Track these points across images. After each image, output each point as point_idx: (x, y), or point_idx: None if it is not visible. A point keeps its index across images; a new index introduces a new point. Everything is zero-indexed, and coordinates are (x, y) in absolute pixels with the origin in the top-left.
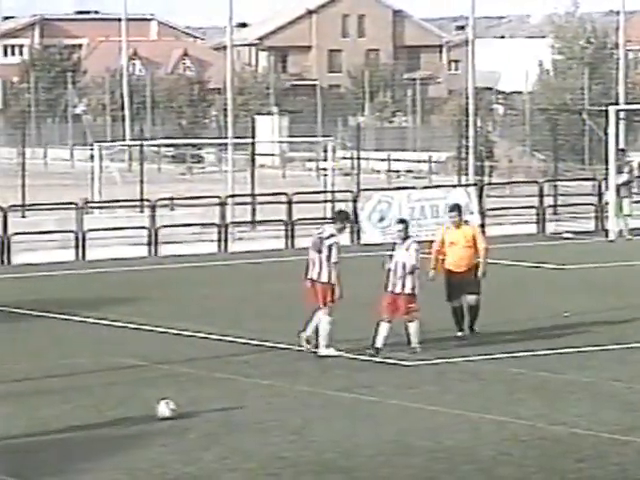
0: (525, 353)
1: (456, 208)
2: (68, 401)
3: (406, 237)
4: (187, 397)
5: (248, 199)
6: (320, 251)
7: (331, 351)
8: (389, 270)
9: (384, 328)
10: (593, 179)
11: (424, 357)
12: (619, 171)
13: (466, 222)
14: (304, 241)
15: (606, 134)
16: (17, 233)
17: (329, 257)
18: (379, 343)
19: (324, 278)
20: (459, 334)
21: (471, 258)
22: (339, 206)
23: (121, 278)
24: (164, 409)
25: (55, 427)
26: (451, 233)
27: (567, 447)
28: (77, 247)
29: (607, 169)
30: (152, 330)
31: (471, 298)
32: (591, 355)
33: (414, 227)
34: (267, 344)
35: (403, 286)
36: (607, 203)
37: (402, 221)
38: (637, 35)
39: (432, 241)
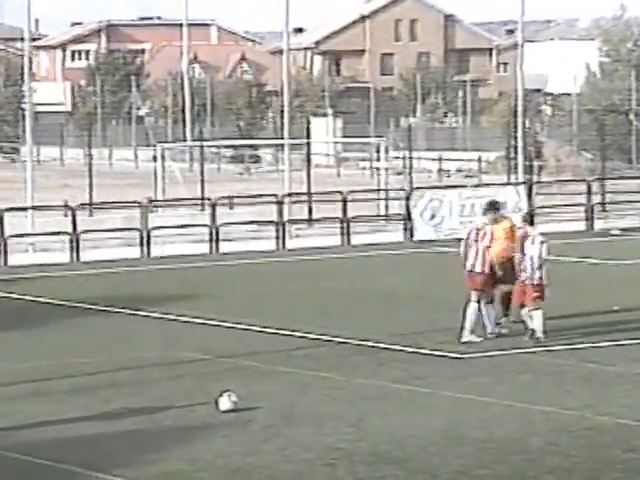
0: (575, 345)
1: (492, 205)
2: (136, 394)
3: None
4: (249, 390)
5: (304, 197)
6: (477, 241)
7: (473, 337)
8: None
9: (537, 315)
10: None
11: (475, 349)
12: None
13: (504, 217)
14: (359, 238)
15: None
16: (85, 231)
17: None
18: (539, 331)
19: (478, 269)
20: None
21: (509, 250)
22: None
23: (184, 274)
24: (226, 402)
25: (123, 419)
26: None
27: (614, 437)
28: (142, 244)
29: None
30: (215, 325)
31: (504, 287)
32: None
33: (464, 224)
34: (326, 338)
35: (532, 277)
36: None
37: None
38: None
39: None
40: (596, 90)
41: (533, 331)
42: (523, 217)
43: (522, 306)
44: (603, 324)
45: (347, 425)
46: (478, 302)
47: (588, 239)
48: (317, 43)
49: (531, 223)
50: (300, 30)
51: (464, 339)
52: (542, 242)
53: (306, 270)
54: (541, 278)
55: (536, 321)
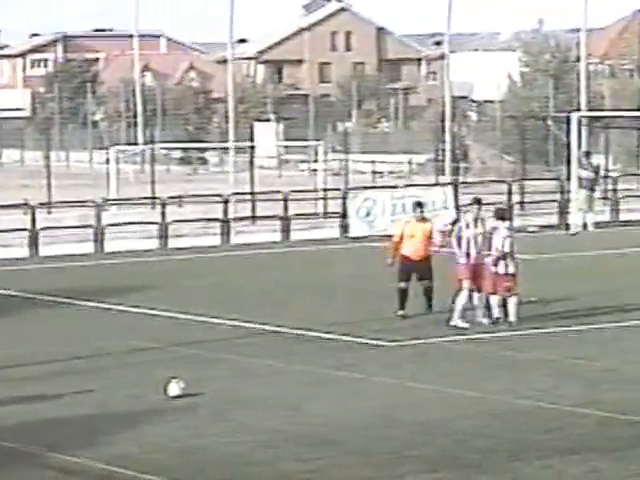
0: (496, 334)
1: (419, 205)
2: (93, 381)
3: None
4: (196, 376)
5: (248, 197)
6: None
7: (460, 322)
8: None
9: (512, 302)
10: (557, 179)
11: (405, 337)
12: (584, 169)
13: (425, 219)
14: (299, 234)
15: (569, 137)
16: (44, 228)
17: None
18: (496, 314)
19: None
20: (400, 313)
21: (426, 249)
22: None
23: (136, 268)
24: (174, 388)
25: (80, 404)
26: (412, 226)
27: (533, 419)
28: (97, 240)
29: (569, 169)
30: (165, 315)
31: (424, 282)
32: (556, 336)
33: (395, 222)
34: (267, 327)
35: (505, 267)
36: (569, 200)
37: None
38: (596, 50)
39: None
40: (517, 98)
41: (506, 316)
42: (494, 211)
43: (492, 293)
44: (522, 314)
45: (287, 409)
46: (471, 290)
47: None
48: (260, 53)
49: (501, 218)
50: (244, 41)
51: (452, 323)
52: (505, 237)
53: (249, 264)
54: (507, 267)
55: (511, 307)
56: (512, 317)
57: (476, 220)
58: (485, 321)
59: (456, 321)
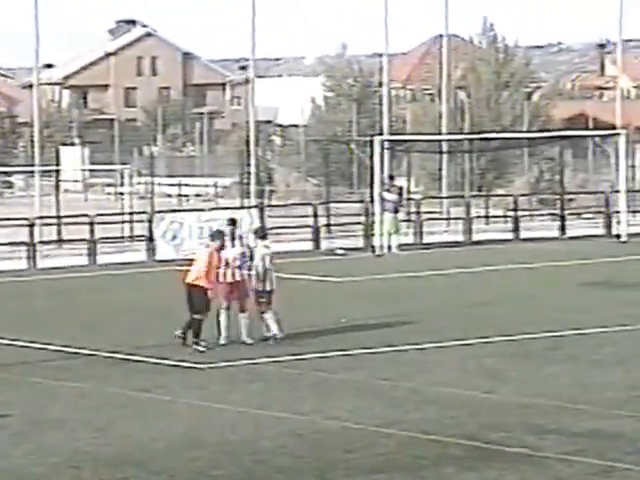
0: (305, 355)
1: (219, 233)
2: None
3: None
4: (1, 399)
5: (54, 220)
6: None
7: (224, 340)
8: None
9: (269, 317)
10: (362, 201)
11: (215, 360)
12: (389, 192)
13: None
14: (105, 258)
15: (372, 161)
16: None
17: None
18: (274, 330)
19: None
20: (204, 344)
21: (198, 278)
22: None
23: None
24: None
25: None
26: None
27: (338, 439)
28: None
29: (372, 192)
30: None
31: (197, 315)
32: (363, 357)
33: (202, 245)
34: (76, 350)
35: (261, 286)
36: (374, 222)
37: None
38: (399, 75)
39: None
40: (321, 122)
41: (274, 333)
42: (254, 231)
43: (262, 312)
44: (331, 336)
45: (93, 430)
46: (227, 308)
47: (315, 258)
48: (66, 78)
49: (262, 237)
50: (50, 66)
51: (220, 342)
52: (264, 255)
53: (57, 288)
54: (265, 284)
55: (268, 322)
56: (274, 331)
57: (233, 240)
58: (249, 340)
59: (222, 340)
